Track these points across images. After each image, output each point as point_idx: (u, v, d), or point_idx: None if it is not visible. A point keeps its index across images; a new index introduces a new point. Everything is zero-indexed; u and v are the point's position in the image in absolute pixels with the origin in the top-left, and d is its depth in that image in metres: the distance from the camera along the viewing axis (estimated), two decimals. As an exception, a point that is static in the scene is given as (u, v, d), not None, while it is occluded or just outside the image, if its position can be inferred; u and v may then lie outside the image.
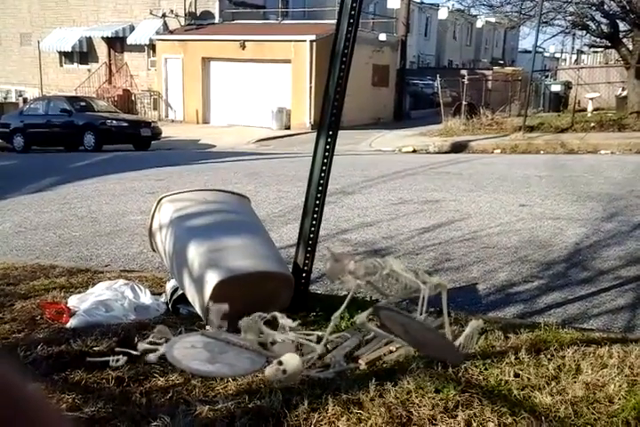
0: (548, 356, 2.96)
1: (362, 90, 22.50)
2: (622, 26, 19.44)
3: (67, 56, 29.09)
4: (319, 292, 4.24)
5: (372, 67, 25.31)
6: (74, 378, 2.76)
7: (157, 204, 3.93)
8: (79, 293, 3.96)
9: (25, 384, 0.56)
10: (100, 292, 3.87)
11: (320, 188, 3.73)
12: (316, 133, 3.82)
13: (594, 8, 18.79)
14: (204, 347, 2.99)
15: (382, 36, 25.70)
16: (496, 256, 5.28)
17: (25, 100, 25.55)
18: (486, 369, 2.81)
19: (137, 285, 4.00)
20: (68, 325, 3.46)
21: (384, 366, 2.90)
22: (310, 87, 22.41)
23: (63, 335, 3.28)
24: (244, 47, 23.45)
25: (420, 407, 2.49)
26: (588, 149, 14.70)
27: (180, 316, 3.65)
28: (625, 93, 20.43)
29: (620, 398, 2.56)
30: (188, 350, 2.96)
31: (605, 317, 3.91)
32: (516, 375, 2.76)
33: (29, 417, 0.55)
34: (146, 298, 3.85)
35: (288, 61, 22.89)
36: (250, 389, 2.67)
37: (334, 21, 3.71)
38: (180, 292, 3.73)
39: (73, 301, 3.77)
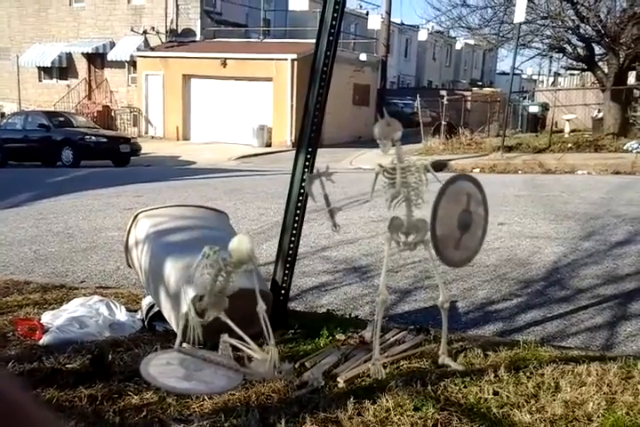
0: (527, 374, 2.95)
1: (343, 108, 22.65)
2: (598, 49, 19.85)
3: (46, 71, 28.93)
4: (298, 309, 4.21)
5: (353, 86, 25.51)
6: (45, 396, 2.69)
7: (134, 219, 3.89)
8: (53, 309, 3.88)
9: (18, 391, 0.57)
10: (75, 308, 3.80)
11: (299, 204, 3.71)
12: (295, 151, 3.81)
13: (570, 31, 19.16)
14: (179, 364, 2.94)
15: (363, 56, 25.96)
16: (475, 274, 5.29)
17: (3, 115, 25.30)
18: (465, 387, 2.79)
19: (112, 301, 3.93)
20: (41, 342, 3.38)
21: (362, 383, 2.87)
22: (292, 105, 22.50)
23: (35, 352, 3.21)
24: (225, 65, 23.51)
25: (398, 426, 2.46)
26: (566, 169, 14.89)
27: (155, 333, 3.59)
28: (601, 115, 20.80)
29: (598, 416, 2.55)
30: (163, 367, 2.90)
31: (584, 335, 3.91)
32: (496, 393, 2.74)
33: (22, 423, 0.56)
34: (121, 315, 3.78)
35: (269, 79, 22.98)
36: (226, 407, 2.61)
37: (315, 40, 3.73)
38: (156, 309, 3.67)
39: (46, 317, 3.70)
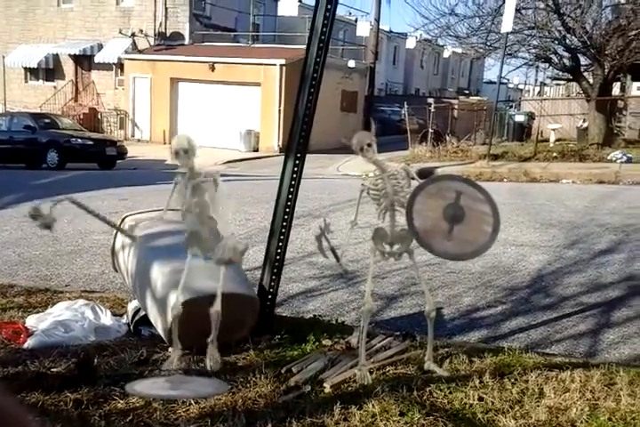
0: (512, 380, 2.98)
1: (330, 115, 22.69)
2: (583, 60, 20.05)
3: (32, 72, 28.74)
4: (285, 314, 4.21)
5: (341, 92, 25.59)
6: (30, 400, 2.67)
7: (121, 223, 3.88)
8: (38, 313, 3.86)
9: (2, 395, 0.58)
10: (60, 312, 3.78)
11: (287, 210, 3.73)
12: (284, 156, 3.83)
13: (556, 42, 19.36)
14: (165, 380, 2.92)
15: (351, 63, 26.07)
16: (461, 281, 5.32)
17: (-12, 116, 25.10)
18: (451, 393, 2.81)
19: (97, 305, 3.92)
20: (26, 345, 3.36)
21: (349, 389, 2.88)
22: (279, 111, 22.53)
23: (20, 356, 3.18)
24: (213, 69, 23.51)
25: (384, 432, 2.47)
26: (551, 178, 15.01)
27: (141, 337, 3.58)
28: (586, 125, 21.00)
29: (581, 422, 2.58)
30: (149, 385, 2.88)
31: (567, 342, 3.95)
32: (481, 399, 2.76)
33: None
34: (106, 319, 3.76)
35: (257, 84, 23.00)
36: (212, 412, 2.61)
37: (304, 46, 3.76)
38: (142, 313, 3.66)
39: (31, 321, 3.67)
